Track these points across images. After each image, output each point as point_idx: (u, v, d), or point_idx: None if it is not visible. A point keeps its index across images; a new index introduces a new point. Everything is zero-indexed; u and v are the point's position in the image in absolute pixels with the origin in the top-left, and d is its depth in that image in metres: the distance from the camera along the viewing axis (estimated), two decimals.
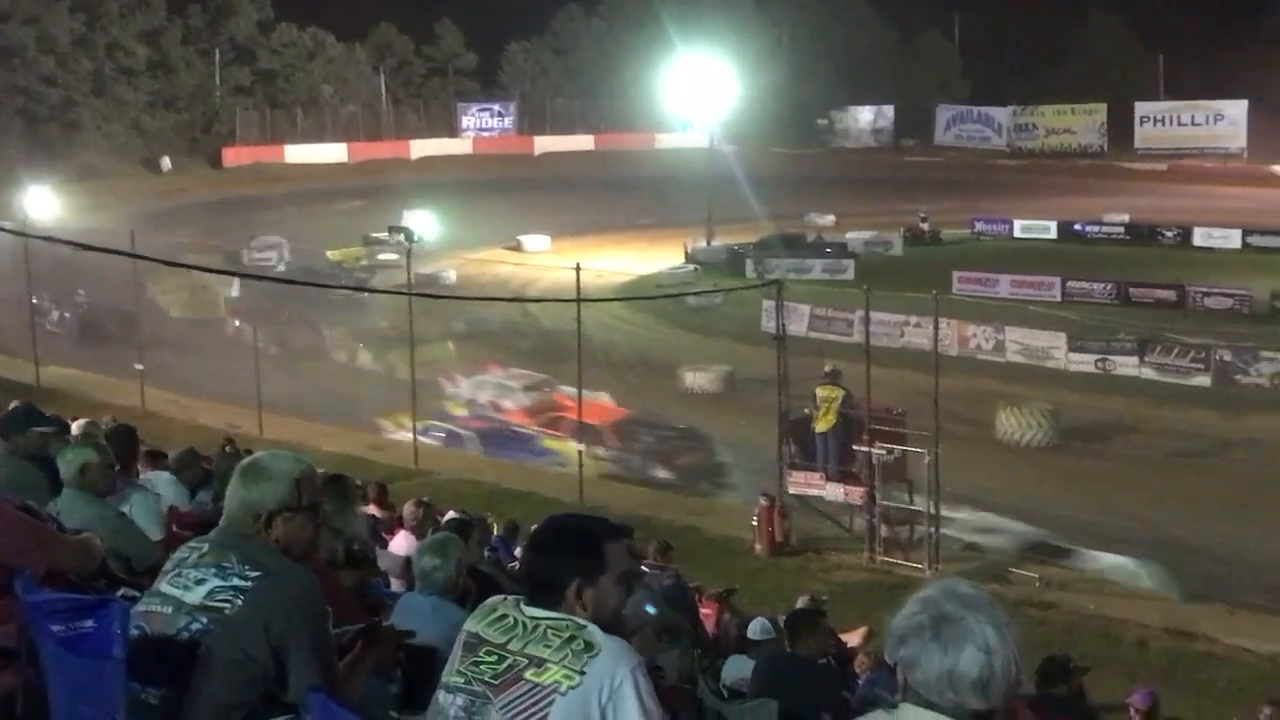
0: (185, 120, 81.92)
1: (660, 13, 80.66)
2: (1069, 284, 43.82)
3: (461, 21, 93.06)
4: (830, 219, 62.49)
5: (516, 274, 43.81)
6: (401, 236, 47.53)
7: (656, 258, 51.27)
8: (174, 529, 6.87)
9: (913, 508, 20.40)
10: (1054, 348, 34.33)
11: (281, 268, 46.17)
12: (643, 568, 11.68)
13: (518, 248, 54.62)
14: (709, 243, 54.45)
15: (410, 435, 25.85)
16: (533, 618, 3.34)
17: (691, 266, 50.46)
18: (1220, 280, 44.01)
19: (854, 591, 17.59)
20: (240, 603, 3.62)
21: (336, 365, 34.32)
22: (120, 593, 4.29)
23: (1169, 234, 57.27)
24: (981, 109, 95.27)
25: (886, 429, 20.76)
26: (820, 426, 21.51)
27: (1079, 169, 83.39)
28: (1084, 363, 33.59)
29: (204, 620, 3.62)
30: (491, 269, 45.74)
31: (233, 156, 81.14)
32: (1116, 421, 28.65)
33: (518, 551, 11.56)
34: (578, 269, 24.67)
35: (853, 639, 12.94)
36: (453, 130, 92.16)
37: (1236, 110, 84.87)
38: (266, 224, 54.62)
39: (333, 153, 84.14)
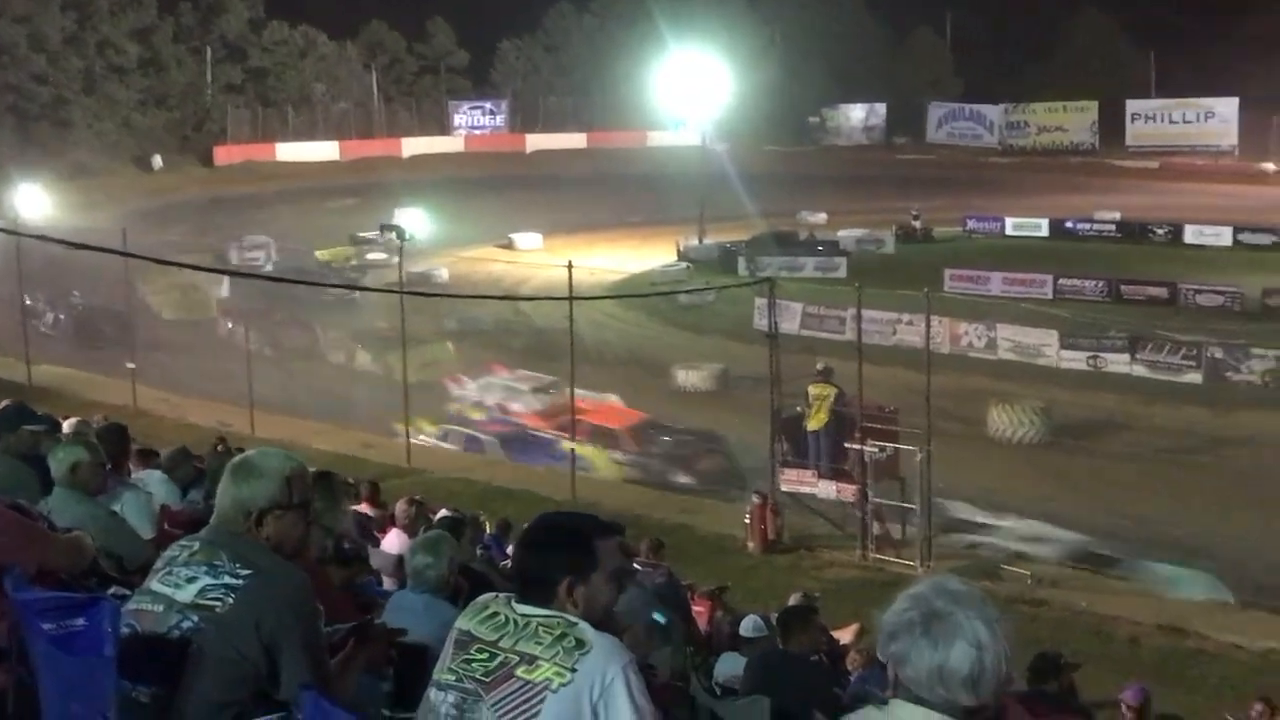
0: (176, 118, 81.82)
1: (652, 10, 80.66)
2: (1060, 281, 43.89)
3: (453, 19, 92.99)
4: (822, 217, 62.56)
5: (509, 272, 43.81)
6: (393, 235, 47.45)
7: (649, 256, 51.26)
8: (166, 528, 6.86)
9: (905, 505, 20.41)
10: (1045, 345, 34.38)
11: (269, 268, 46.05)
12: (635, 566, 11.68)
13: (510, 246, 54.61)
14: (701, 241, 54.49)
15: (432, 440, 25.80)
16: (524, 615, 3.34)
17: (684, 264, 50.47)
18: (1211, 278, 44.13)
19: (846, 589, 17.60)
20: (231, 601, 3.62)
21: (334, 367, 34.07)
22: (111, 591, 4.28)
23: (1160, 231, 57.39)
24: (973, 107, 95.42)
25: (878, 427, 20.78)
26: (812, 424, 21.53)
27: (1070, 166, 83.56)
28: (1075, 360, 33.65)
29: (195, 618, 3.61)
30: (484, 267, 45.73)
31: (224, 155, 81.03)
32: (1108, 419, 28.72)
33: (510, 550, 11.56)
34: (569, 267, 24.65)
35: (845, 636, 12.95)
36: (444, 128, 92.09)
37: (1227, 108, 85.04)
38: (258, 222, 54.56)
39: (324, 151, 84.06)
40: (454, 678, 3.35)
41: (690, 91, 66.44)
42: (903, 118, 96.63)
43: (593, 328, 33.13)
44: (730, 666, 8.53)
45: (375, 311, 34.91)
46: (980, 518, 19.95)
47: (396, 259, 40.47)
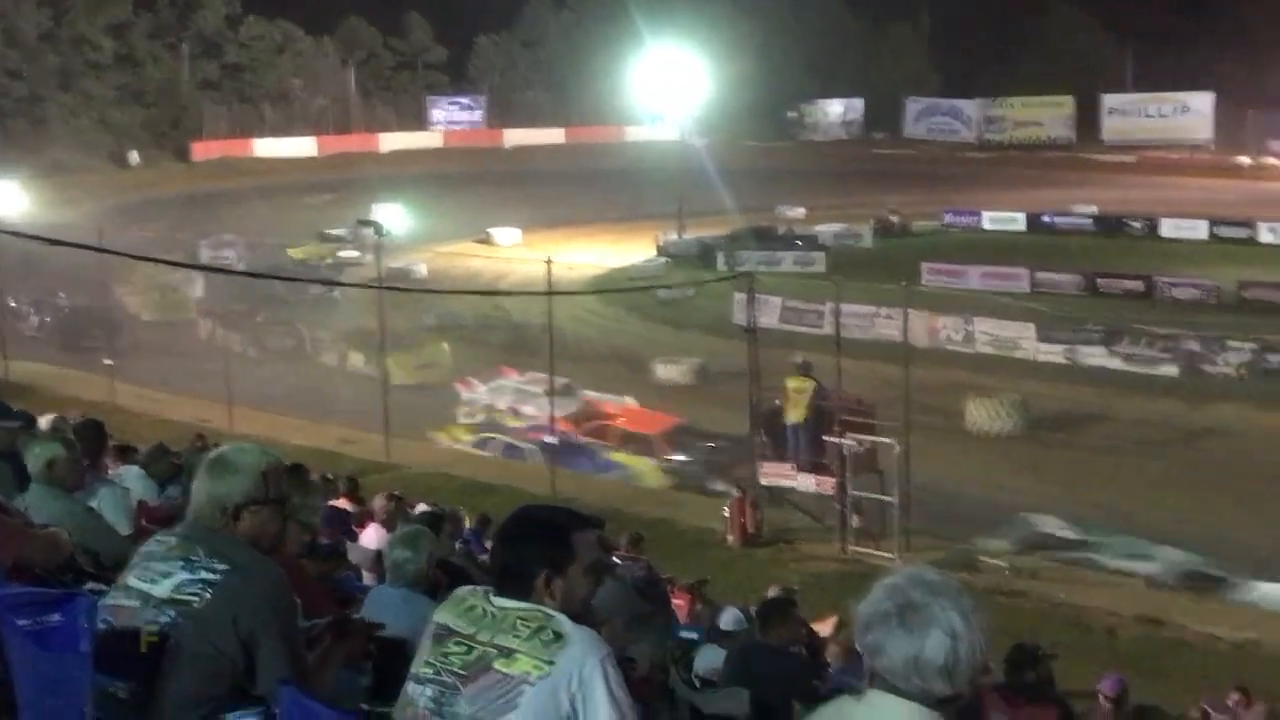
0: (153, 114, 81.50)
1: (629, 5, 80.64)
2: (1037, 275, 44.03)
3: (430, 14, 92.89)
4: (801, 212, 62.64)
5: (487, 267, 43.75)
6: (370, 230, 47.27)
7: (627, 251, 51.26)
8: (144, 524, 6.84)
9: (883, 498, 20.45)
10: (1023, 338, 34.51)
11: (241, 266, 45.79)
12: (614, 559, 11.69)
13: (488, 241, 54.56)
14: (680, 236, 54.51)
15: (467, 448, 25.55)
16: (502, 608, 3.34)
17: (663, 260, 50.48)
18: (1187, 271, 44.32)
19: (825, 581, 17.65)
20: (208, 596, 3.61)
21: (325, 369, 33.32)
22: (88, 587, 4.27)
23: (1137, 225, 57.63)
24: (950, 101, 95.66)
25: (857, 420, 20.83)
26: (790, 418, 21.56)
27: (1047, 161, 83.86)
28: (1053, 353, 33.79)
29: (172, 613, 3.61)
30: (462, 262, 45.64)
31: (201, 151, 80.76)
32: (1085, 411, 28.85)
33: (490, 544, 11.54)
34: (549, 263, 24.63)
35: (824, 628, 12.98)
36: (422, 124, 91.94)
37: (1202, 102, 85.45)
38: (236, 218, 54.32)
39: (302, 146, 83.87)
40: (432, 671, 3.35)
41: (668, 86, 66.46)
42: (880, 113, 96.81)
43: (572, 323, 33.15)
44: (710, 659, 8.54)
45: (354, 310, 34.60)
46: (1072, 533, 19.45)
47: (370, 256, 40.37)
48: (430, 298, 35.54)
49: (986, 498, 22.28)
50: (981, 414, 28.04)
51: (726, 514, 20.65)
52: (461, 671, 3.29)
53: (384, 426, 25.30)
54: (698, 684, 7.35)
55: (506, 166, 79.60)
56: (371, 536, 10.26)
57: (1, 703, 3.51)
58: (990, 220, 60.80)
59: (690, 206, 55.51)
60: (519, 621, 3.29)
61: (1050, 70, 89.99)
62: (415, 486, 19.43)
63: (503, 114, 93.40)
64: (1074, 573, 19.07)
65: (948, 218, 61.83)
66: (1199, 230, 55.78)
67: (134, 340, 33.02)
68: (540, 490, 21.73)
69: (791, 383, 21.60)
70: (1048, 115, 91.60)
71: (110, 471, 8.73)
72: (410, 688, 3.40)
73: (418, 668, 3.41)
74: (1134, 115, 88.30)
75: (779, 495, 21.78)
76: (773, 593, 11.69)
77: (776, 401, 21.95)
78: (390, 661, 4.25)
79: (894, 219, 59.35)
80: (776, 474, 21.78)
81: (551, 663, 3.22)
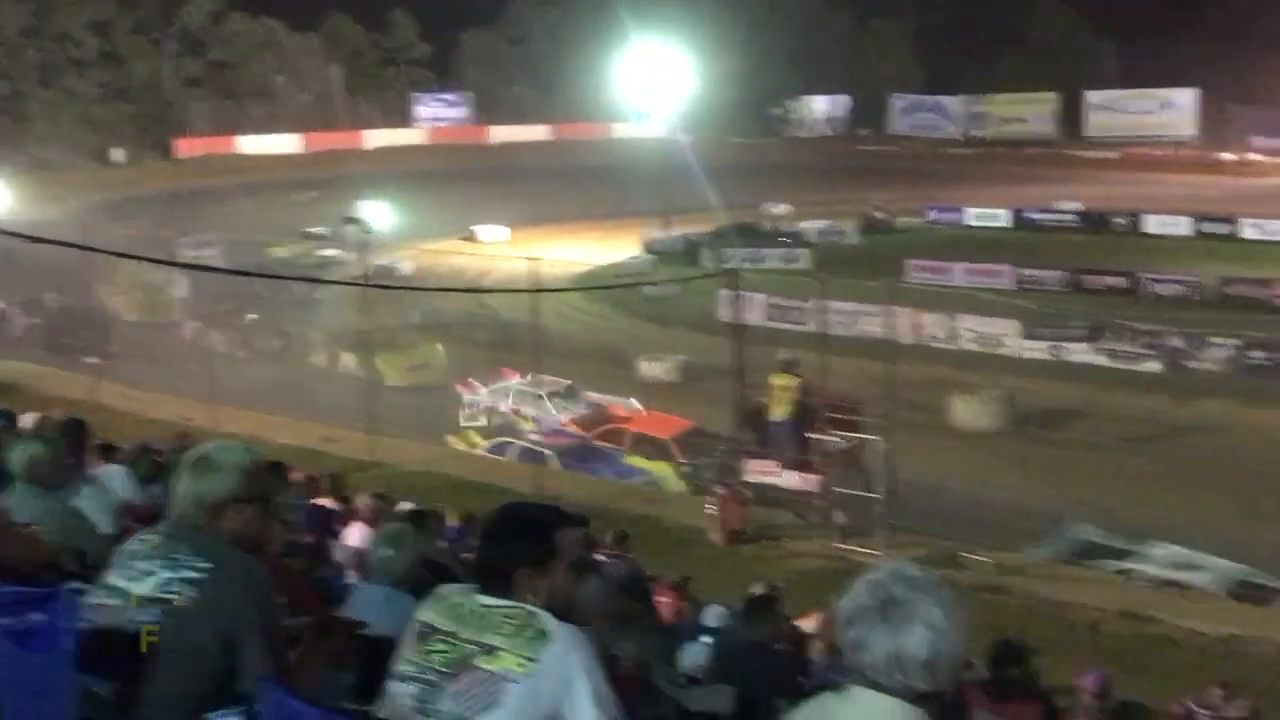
0: (137, 111, 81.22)
1: (615, 2, 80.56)
2: (1022, 271, 44.13)
3: (414, 11, 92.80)
4: (786, 208, 62.68)
5: (472, 265, 43.70)
6: (354, 227, 47.18)
7: (613, 248, 51.27)
8: (127, 522, 6.82)
9: (869, 494, 20.47)
10: (1007, 335, 34.60)
11: (222, 265, 45.44)
12: (599, 556, 11.69)
13: (472, 238, 54.51)
14: (666, 233, 54.51)
15: (482, 453, 25.22)
16: (484, 606, 3.34)
17: (648, 256, 50.47)
18: (1171, 267, 44.47)
19: (810, 578, 17.65)
20: (191, 594, 3.61)
21: (316, 369, 32.52)
22: (70, 586, 4.25)
23: (1120, 221, 57.81)
24: (935, 98, 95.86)
25: (842, 417, 20.86)
26: (776, 415, 21.60)
27: (1032, 157, 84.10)
28: (1037, 349, 33.88)
29: (154, 612, 3.60)
30: (447, 260, 45.59)
31: (185, 148, 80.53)
32: (1070, 407, 28.93)
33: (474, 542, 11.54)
34: (532, 260, 24.61)
35: (809, 625, 12.99)
36: (407, 121, 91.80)
37: (1185, 98, 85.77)
38: (221, 215, 54.18)
39: (286, 143, 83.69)
40: (414, 669, 3.35)
41: (653, 83, 66.46)
42: (866, 109, 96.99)
43: (558, 320, 33.14)
44: (694, 656, 8.55)
45: (339, 309, 34.45)
46: (1118, 543, 19.17)
47: (354, 254, 40.23)
48: (415, 295, 35.45)
49: (971, 494, 22.33)
50: (967, 410, 28.10)
51: (711, 511, 20.65)
52: (444, 669, 3.29)
53: (368, 425, 25.24)
54: (682, 681, 7.36)
55: (492, 163, 79.50)
56: (355, 535, 10.24)
57: None
58: (975, 217, 60.95)
59: (676, 203, 55.50)
60: (502, 619, 3.30)
61: (1034, 67, 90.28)
62: (399, 484, 19.40)
63: (488, 111, 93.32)
64: (1057, 569, 19.10)
65: (932, 214, 61.97)
66: (1182, 226, 56.01)
67: (120, 340, 32.89)
68: (525, 488, 21.71)
69: (776, 380, 21.64)
70: (1032, 112, 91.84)
71: (94, 470, 8.70)
72: (393, 686, 3.40)
73: (400, 666, 3.41)
74: (1117, 111, 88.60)
75: (764, 492, 21.79)
76: (757, 590, 11.69)
77: (761, 399, 21.98)
78: (374, 660, 4.25)
79: (879, 215, 59.48)
80: (761, 471, 21.83)
81: (535, 660, 3.22)
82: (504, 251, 45.24)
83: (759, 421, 22.03)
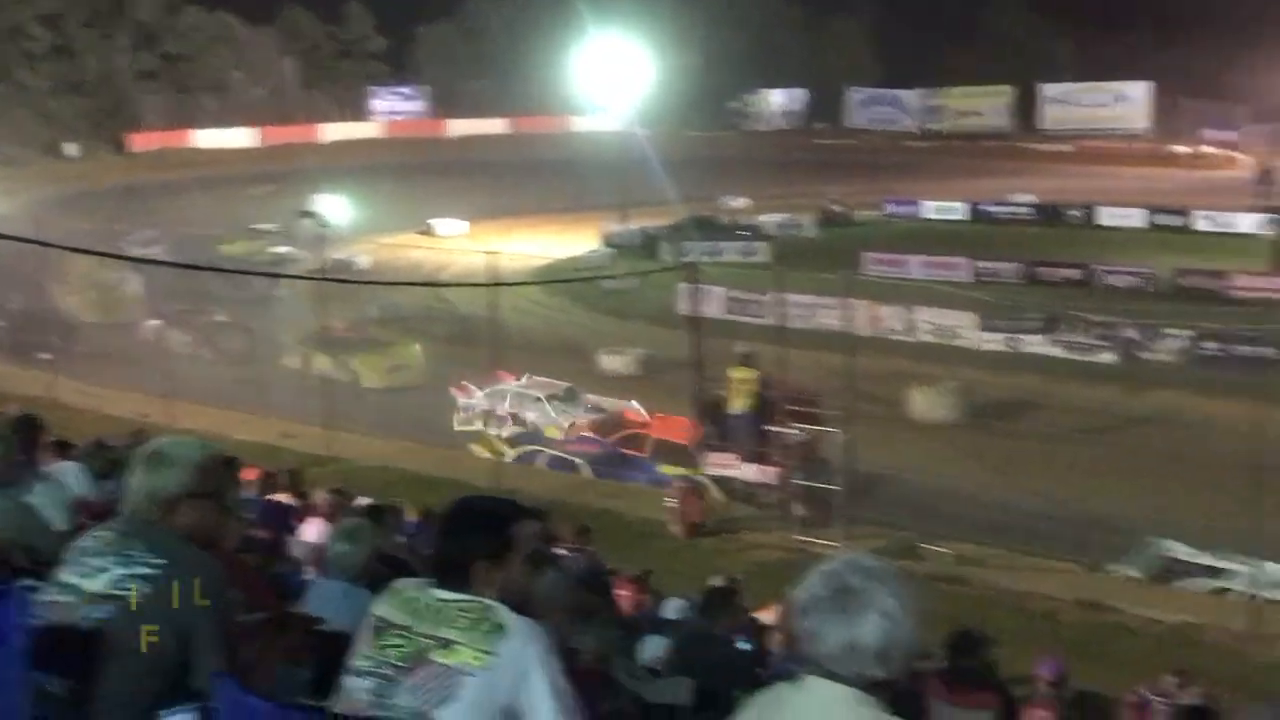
0: (90, 105, 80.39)
1: None
2: (978, 264, 44.39)
3: (370, 4, 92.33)
4: (744, 202, 62.78)
5: (430, 259, 43.54)
6: (308, 222, 46.82)
7: (572, 241, 51.23)
8: (83, 519, 6.77)
9: (828, 487, 20.56)
10: (964, 327, 34.80)
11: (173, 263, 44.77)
12: (560, 550, 11.69)
13: (429, 232, 54.31)
14: (624, 226, 54.48)
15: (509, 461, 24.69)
16: (441, 599, 3.34)
17: (607, 250, 50.45)
18: (1125, 259, 44.85)
19: (770, 570, 17.69)
20: (145, 590, 3.58)
21: (288, 371, 30.87)
22: (22, 583, 4.21)
23: (1075, 214, 58.25)
24: (891, 91, 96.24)
25: (801, 409, 20.95)
26: (734, 407, 21.67)
27: (987, 150, 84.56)
28: (994, 341, 34.10)
29: (108, 608, 3.57)
30: (406, 254, 45.41)
31: (140, 142, 79.80)
32: (1026, 399, 29.13)
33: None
34: (491, 255, 24.54)
35: (768, 617, 13.04)
36: (364, 114, 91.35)
37: (1138, 91, 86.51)
38: (177, 209, 53.68)
39: (242, 137, 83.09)
40: (370, 664, 3.34)
41: (611, 77, 66.39)
42: (822, 103, 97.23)
43: (516, 314, 33.03)
44: (654, 649, 8.56)
45: (296, 306, 33.93)
46: (1205, 559, 18.45)
47: (307, 251, 39.88)
48: (373, 290, 35.24)
49: (929, 485, 22.46)
50: (924, 402, 28.24)
51: (672, 504, 20.69)
52: (400, 663, 3.29)
53: (326, 421, 25.12)
54: (642, 674, 7.37)
55: (449, 157, 79.18)
56: (313, 530, 10.20)
57: None
58: (931, 209, 61.28)
59: (634, 197, 55.45)
60: (458, 613, 3.29)
61: (990, 60, 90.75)
62: (358, 480, 19.31)
63: (445, 104, 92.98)
64: (1016, 559, 19.26)
65: (889, 208, 62.23)
66: (1136, 219, 56.55)
67: (77, 339, 32.52)
68: (484, 483, 21.67)
69: (735, 373, 21.72)
70: (987, 105, 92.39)
71: (48, 467, 8.62)
72: (349, 681, 3.39)
73: (356, 661, 3.40)
74: (1072, 105, 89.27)
75: (724, 485, 21.86)
76: (715, 582, 11.72)
77: (720, 392, 22.04)
78: (331, 655, 4.23)
79: (836, 209, 59.70)
80: (721, 464, 21.90)
81: (491, 653, 3.22)
82: (462, 245, 45.08)
83: (718, 414, 22.11)
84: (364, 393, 29.66)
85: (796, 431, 20.94)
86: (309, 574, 7.74)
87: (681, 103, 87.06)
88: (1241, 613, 16.88)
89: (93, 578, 3.62)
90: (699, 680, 6.80)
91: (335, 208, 52.94)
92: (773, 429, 21.15)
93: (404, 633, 3.31)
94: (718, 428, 22.09)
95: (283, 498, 12.24)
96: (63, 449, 10.18)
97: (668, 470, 22.55)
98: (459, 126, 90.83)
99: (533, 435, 25.48)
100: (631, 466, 23.25)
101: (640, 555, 16.70)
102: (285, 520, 10.54)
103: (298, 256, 41.91)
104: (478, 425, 26.55)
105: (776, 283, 26.81)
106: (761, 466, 21.46)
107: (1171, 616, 17.03)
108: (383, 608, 3.42)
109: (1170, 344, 32.22)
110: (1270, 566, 17.63)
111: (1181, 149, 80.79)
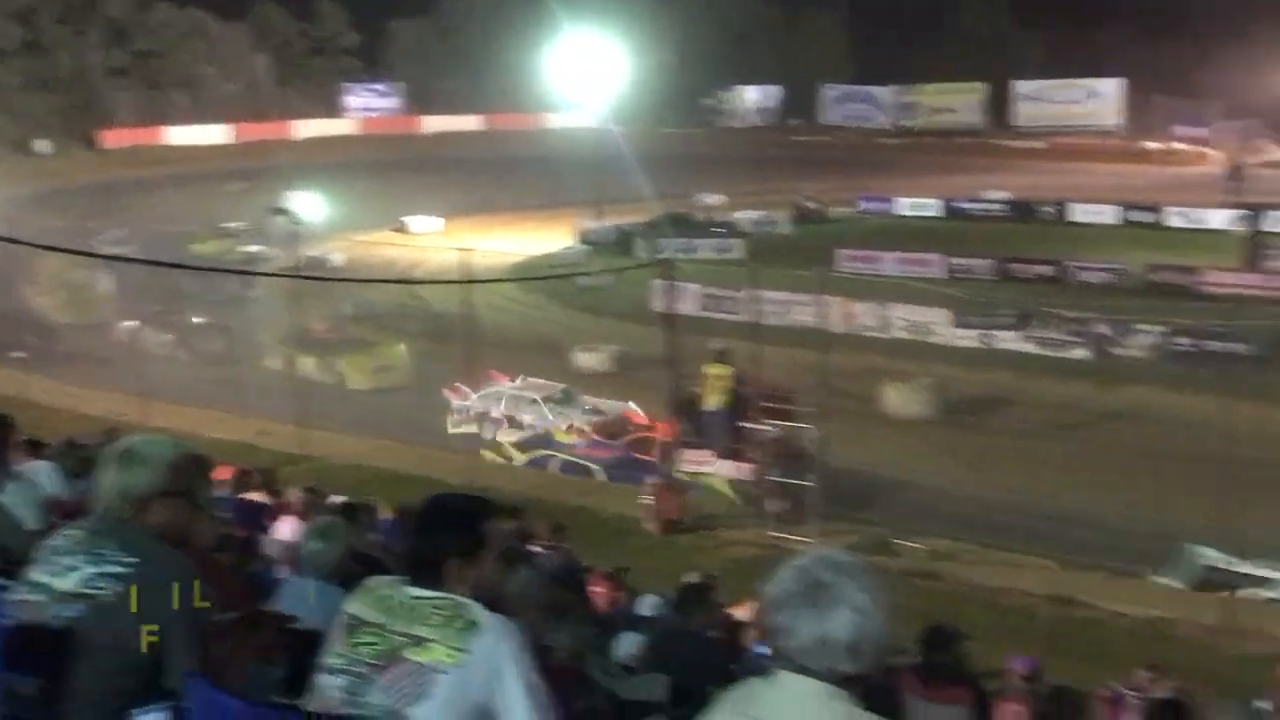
0: (62, 102, 79.85)
1: None
2: (952, 260, 44.51)
3: (344, 0, 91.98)
4: (719, 198, 62.81)
5: (404, 256, 43.43)
6: (280, 219, 46.58)
7: (547, 238, 51.17)
8: (54, 518, 6.74)
9: (803, 483, 20.61)
10: (938, 323, 34.91)
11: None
12: (535, 548, 11.68)
13: (402, 229, 54.18)
14: (599, 223, 54.46)
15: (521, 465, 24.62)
16: (414, 597, 3.33)
17: (582, 247, 50.43)
18: (1097, 255, 45.04)
19: (745, 567, 17.73)
20: (117, 589, 3.57)
21: (270, 372, 30.17)
22: None
23: (1048, 210, 58.47)
24: (865, 88, 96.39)
25: (775, 406, 20.99)
26: (709, 404, 21.71)
27: (961, 147, 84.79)
28: (967, 338, 34.21)
29: (80, 607, 3.56)
30: (380, 251, 45.29)
31: (112, 138, 79.35)
32: (999, 395, 29.24)
33: None
34: (465, 252, 24.49)
35: (744, 613, 13.06)
36: (338, 111, 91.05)
37: (1110, 88, 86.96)
38: (150, 207, 53.40)
39: (215, 134, 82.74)
40: (343, 662, 3.34)
41: (585, 74, 66.33)
42: (797, 100, 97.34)
43: (491, 311, 33.00)
44: (629, 645, 8.57)
45: (271, 305, 33.69)
46: (1245, 568, 17.89)
47: (279, 249, 39.67)
48: (346, 287, 35.11)
49: (903, 481, 22.54)
50: (898, 398, 28.33)
51: (647, 501, 20.70)
52: (374, 661, 3.28)
53: (301, 419, 25.03)
54: (617, 671, 7.37)
55: (424, 154, 79.01)
56: (287, 528, 10.17)
57: None
58: (905, 206, 61.44)
59: (609, 194, 55.45)
60: (431, 610, 3.29)
61: (963, 57, 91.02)
62: (332, 478, 19.28)
63: (419, 101, 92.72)
64: (989, 554, 19.34)
65: (864, 204, 62.35)
66: (1108, 215, 56.77)
67: (51, 339, 32.28)
68: (458, 481, 21.64)
69: (710, 369, 21.76)
70: (960, 102, 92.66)
71: (20, 466, 8.57)
72: (322, 679, 3.39)
73: (329, 659, 3.39)
74: (1044, 101, 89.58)
75: (699, 482, 21.89)
76: (690, 578, 11.74)
77: (695, 388, 22.06)
78: (304, 653, 4.23)
79: (811, 206, 59.78)
80: (696, 461, 21.93)
81: (464, 651, 3.22)
82: (437, 242, 44.98)
83: (693, 411, 22.14)
84: (349, 394, 29.56)
85: (771, 428, 20.99)
86: (282, 572, 7.73)
87: (656, 100, 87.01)
88: (1213, 607, 16.99)
89: (63, 576, 3.61)
90: (674, 677, 6.81)
91: (309, 205, 52.72)
92: (747, 425, 21.19)
93: (377, 630, 3.31)
94: (692, 424, 22.12)
95: (257, 496, 12.19)
96: (35, 448, 10.14)
97: (693, 477, 22.00)
98: (433, 123, 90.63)
99: (544, 440, 24.95)
100: (647, 471, 22.63)
101: (616, 552, 16.73)
102: (259, 518, 10.51)
103: (269, 255, 41.70)
104: (472, 428, 26.08)
105: (751, 279, 26.78)
106: (736, 463, 21.51)
107: (1143, 612, 17.12)
108: (356, 605, 3.42)
109: (1142, 340, 32.39)
110: None
111: (1153, 145, 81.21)
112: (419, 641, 3.25)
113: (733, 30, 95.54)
